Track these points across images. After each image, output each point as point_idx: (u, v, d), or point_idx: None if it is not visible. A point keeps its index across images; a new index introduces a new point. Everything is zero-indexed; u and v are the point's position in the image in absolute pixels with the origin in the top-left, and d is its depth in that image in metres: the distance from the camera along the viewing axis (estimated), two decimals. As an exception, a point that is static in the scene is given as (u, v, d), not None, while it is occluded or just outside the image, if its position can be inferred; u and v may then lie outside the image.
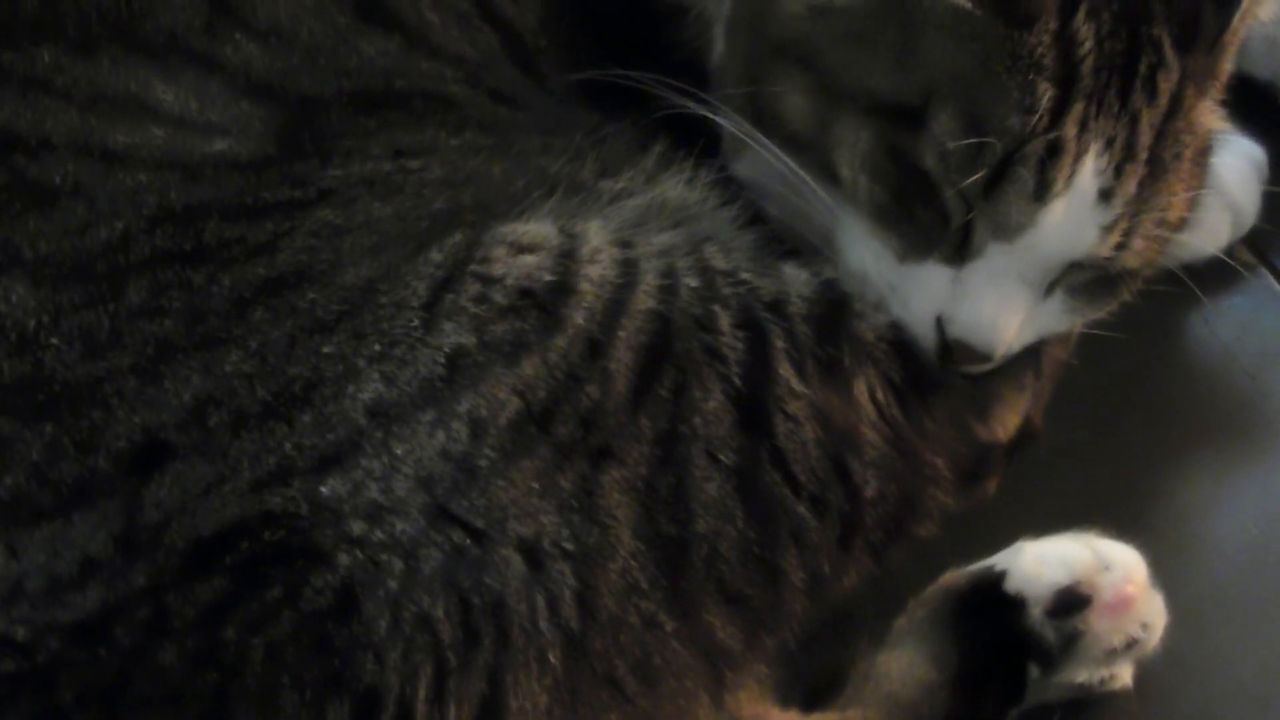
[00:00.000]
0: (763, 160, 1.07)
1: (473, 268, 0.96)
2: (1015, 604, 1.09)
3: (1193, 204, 1.08)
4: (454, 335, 0.93)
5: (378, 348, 0.92)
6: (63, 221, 0.93)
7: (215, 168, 0.96)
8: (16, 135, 0.95)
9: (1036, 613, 1.08)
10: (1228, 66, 1.08)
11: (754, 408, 0.98)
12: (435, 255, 0.97)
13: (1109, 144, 1.00)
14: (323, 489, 0.89)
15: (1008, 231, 1.00)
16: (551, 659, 0.91)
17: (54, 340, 0.90)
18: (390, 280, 0.95)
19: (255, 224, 0.95)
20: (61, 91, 0.96)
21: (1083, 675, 1.09)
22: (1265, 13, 1.07)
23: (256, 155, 0.98)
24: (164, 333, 0.91)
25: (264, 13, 1.02)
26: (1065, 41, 0.98)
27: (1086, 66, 0.99)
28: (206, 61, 1.00)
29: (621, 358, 0.95)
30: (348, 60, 1.04)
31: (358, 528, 0.88)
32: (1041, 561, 1.09)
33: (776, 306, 1.02)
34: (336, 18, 1.04)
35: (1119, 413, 1.29)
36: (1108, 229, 1.01)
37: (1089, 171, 0.99)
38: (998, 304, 1.03)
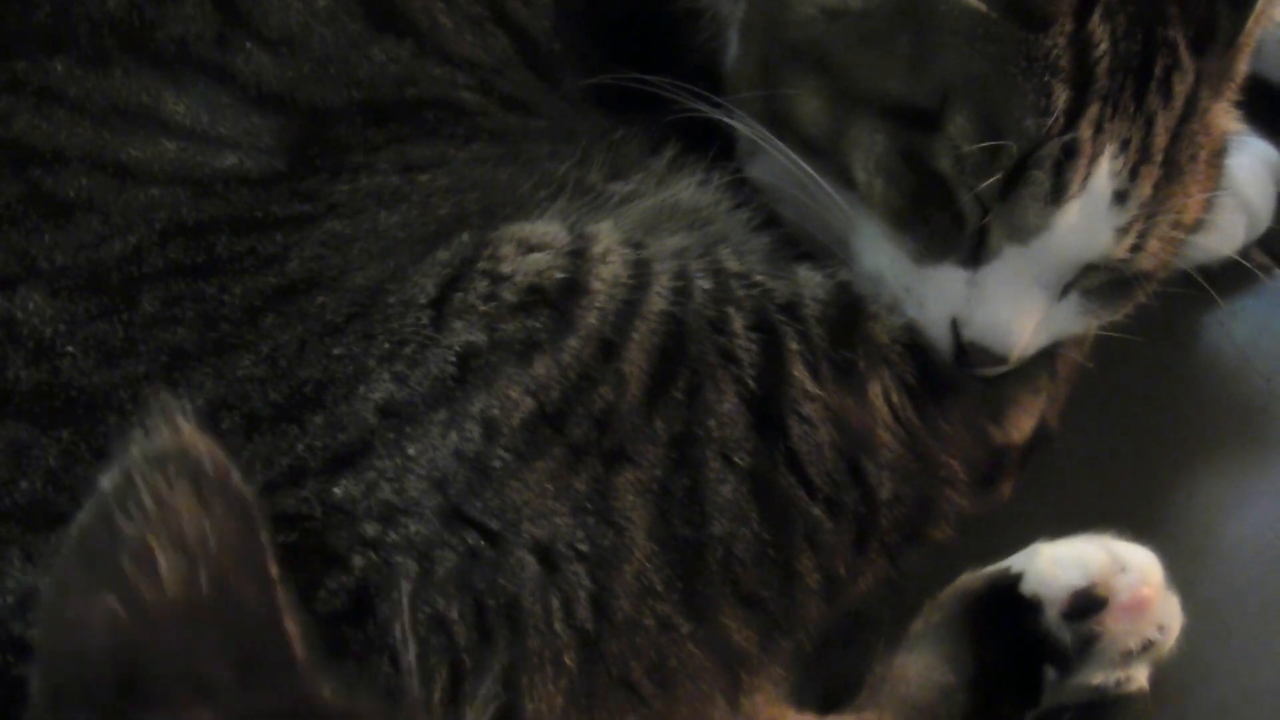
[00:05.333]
0: (777, 163, 1.07)
1: (481, 265, 0.96)
2: (1031, 606, 1.08)
3: (1208, 206, 1.08)
4: (464, 333, 0.93)
5: (387, 346, 0.92)
6: (78, 235, 0.93)
7: (225, 183, 0.97)
8: (32, 147, 0.95)
9: (1052, 615, 1.08)
10: (1243, 68, 1.08)
11: (768, 410, 0.98)
12: (442, 254, 0.97)
13: (1124, 146, 1.00)
14: (335, 490, 0.89)
15: (1023, 234, 1.00)
16: (567, 661, 0.91)
17: (70, 348, 0.90)
18: (398, 281, 0.95)
19: (265, 236, 0.96)
20: (75, 104, 0.97)
21: (1099, 678, 1.08)
22: (1280, 14, 1.08)
23: (266, 171, 0.98)
24: (177, 341, 0.91)
25: (276, 21, 1.03)
26: (1080, 43, 0.98)
27: (1102, 68, 0.99)
28: (218, 72, 1.00)
29: (635, 359, 0.95)
30: (358, 69, 1.04)
31: (371, 529, 0.88)
32: (1057, 563, 1.09)
33: (791, 309, 1.02)
34: (348, 24, 1.04)
35: (1134, 415, 1.28)
36: (1123, 231, 1.01)
37: (1104, 173, 0.99)
38: (1013, 306, 1.03)
